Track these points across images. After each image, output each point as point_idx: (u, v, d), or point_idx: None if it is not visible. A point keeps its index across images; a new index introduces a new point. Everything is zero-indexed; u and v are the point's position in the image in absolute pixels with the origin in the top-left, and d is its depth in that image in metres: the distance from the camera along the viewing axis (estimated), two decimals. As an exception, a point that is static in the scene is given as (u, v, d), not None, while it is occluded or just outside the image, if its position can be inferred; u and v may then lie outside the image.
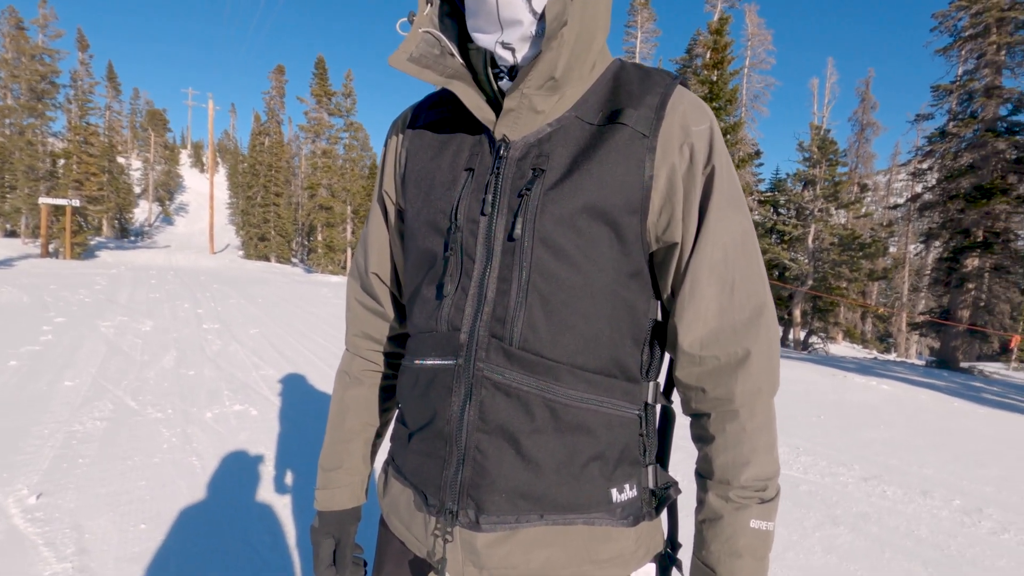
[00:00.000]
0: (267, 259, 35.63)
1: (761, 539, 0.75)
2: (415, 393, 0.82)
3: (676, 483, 0.82)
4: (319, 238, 34.50)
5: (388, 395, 1.03)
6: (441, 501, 0.76)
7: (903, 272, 33.37)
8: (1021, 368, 22.29)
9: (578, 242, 0.71)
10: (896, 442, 5.19)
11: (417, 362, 0.81)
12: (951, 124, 19.10)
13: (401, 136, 0.89)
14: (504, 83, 0.76)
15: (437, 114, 0.85)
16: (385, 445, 2.90)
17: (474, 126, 0.79)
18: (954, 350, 18.13)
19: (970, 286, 18.09)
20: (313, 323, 9.69)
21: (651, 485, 0.81)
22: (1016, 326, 18.26)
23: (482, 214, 0.73)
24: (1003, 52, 17.88)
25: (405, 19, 0.77)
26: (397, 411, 0.93)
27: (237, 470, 3.40)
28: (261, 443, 3.86)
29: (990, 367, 20.03)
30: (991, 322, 17.56)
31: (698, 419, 0.80)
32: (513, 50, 0.72)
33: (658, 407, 0.82)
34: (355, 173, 35.38)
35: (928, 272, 25.66)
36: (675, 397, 0.83)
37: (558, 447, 0.73)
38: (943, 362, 18.04)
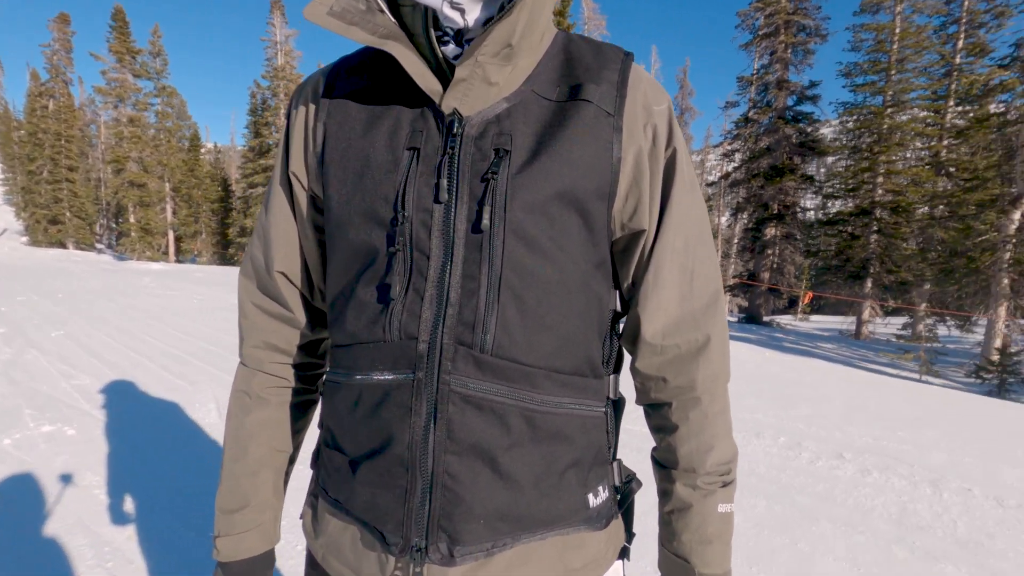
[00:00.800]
0: (63, 245, 30.24)
1: (727, 522, 0.76)
2: (357, 414, 0.70)
3: (635, 475, 0.81)
4: (131, 220, 30.05)
5: (300, 413, 0.90)
6: (405, 538, 0.66)
7: (717, 241, 38.23)
8: (804, 319, 26.99)
9: (551, 232, 0.66)
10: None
11: (359, 377, 0.70)
12: (752, 111, 22.07)
13: (313, 107, 0.75)
14: (449, 48, 0.67)
15: (361, 81, 0.73)
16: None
17: (412, 97, 0.69)
18: (759, 307, 21.40)
19: (769, 252, 21.32)
20: (137, 319, 8.43)
21: (616, 482, 0.78)
22: (799, 284, 21.90)
23: (436, 201, 0.65)
24: (789, 50, 20.95)
25: None
26: (322, 433, 0.80)
27: (56, 503, 2.83)
28: (87, 468, 3.25)
29: (784, 319, 23.94)
30: (782, 281, 20.90)
31: (657, 409, 0.79)
32: (463, 10, 0.63)
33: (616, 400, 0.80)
34: (173, 145, 31.32)
35: (737, 241, 29.70)
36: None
37: (536, 459, 0.67)
38: (751, 317, 21.21)
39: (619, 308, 0.78)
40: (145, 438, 3.73)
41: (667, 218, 0.71)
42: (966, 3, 16.95)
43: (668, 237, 0.71)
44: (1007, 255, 13.44)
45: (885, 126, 18.21)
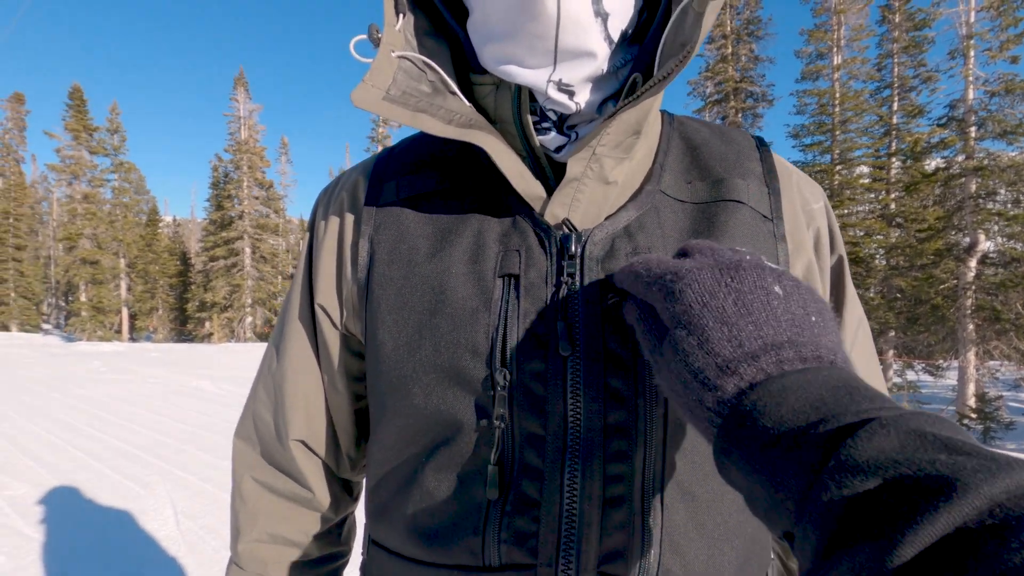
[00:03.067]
0: (6, 328, 28.58)
1: None
2: None
3: None
4: (82, 298, 28.75)
5: None
6: None
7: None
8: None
9: None
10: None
11: None
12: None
13: (352, 217, 0.57)
14: (550, 139, 0.53)
15: (422, 183, 0.55)
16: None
17: (497, 204, 0.53)
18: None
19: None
20: (84, 410, 7.71)
21: None
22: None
23: (552, 355, 0.47)
24: (740, 115, 22.20)
25: (363, 36, 0.53)
26: None
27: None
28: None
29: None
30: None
31: None
32: (572, 92, 0.50)
33: None
34: (129, 220, 30.58)
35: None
36: None
37: None
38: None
39: None
40: (89, 567, 3.17)
41: (843, 343, 0.53)
42: (896, 69, 18.40)
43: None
44: (969, 301, 13.90)
45: (836, 182, 19.17)
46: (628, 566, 0.47)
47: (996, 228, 14.64)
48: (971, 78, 14.98)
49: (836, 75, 19.45)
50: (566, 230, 0.51)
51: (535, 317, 0.49)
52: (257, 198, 29.60)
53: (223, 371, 12.39)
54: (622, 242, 0.50)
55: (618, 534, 0.47)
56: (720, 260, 0.38)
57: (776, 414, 0.29)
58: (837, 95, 19.34)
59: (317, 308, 0.59)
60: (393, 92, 0.51)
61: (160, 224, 38.54)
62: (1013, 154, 14.74)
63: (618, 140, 0.49)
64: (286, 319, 0.62)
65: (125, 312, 30.84)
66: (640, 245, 0.50)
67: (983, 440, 10.80)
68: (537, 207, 0.51)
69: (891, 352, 17.25)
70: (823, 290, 0.58)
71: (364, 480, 0.64)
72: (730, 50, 21.54)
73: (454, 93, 0.53)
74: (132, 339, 31.98)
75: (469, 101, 0.55)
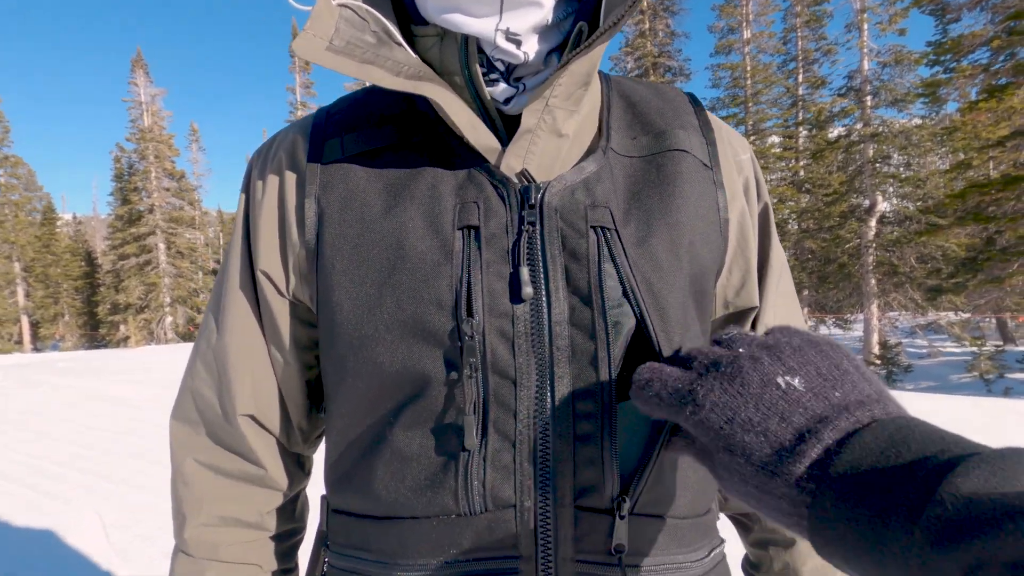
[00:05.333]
0: None
1: None
2: None
3: None
4: (-28, 308, 26.06)
5: None
6: None
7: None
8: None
9: (681, 329, 0.53)
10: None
11: (409, 573, 0.51)
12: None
13: (293, 177, 0.56)
14: (499, 89, 0.52)
15: (368, 138, 0.54)
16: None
17: (450, 157, 0.53)
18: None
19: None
20: (-15, 428, 7.04)
21: None
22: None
23: (516, 300, 0.49)
24: (660, 89, 22.82)
25: None
26: None
27: None
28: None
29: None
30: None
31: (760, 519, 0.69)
32: (519, 41, 0.50)
33: None
34: (21, 220, 27.96)
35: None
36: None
37: None
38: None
39: None
40: (8, 589, 2.95)
41: (767, 287, 0.62)
42: (799, 43, 19.44)
43: (769, 311, 0.62)
44: (870, 258, 15.12)
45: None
46: (601, 499, 0.49)
47: (891, 190, 15.97)
48: (865, 50, 16.07)
49: (746, 49, 20.30)
50: (525, 181, 0.51)
51: (498, 266, 0.49)
52: (168, 190, 27.63)
53: (144, 375, 11.64)
54: (581, 194, 0.51)
55: (590, 469, 0.48)
56: (721, 370, 0.38)
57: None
58: (748, 68, 20.22)
59: (259, 275, 0.56)
60: (337, 43, 0.50)
61: (58, 223, 35.33)
62: (904, 121, 16.04)
63: (569, 91, 0.50)
64: (224, 289, 0.59)
65: (25, 320, 28.31)
66: (598, 198, 0.52)
67: (886, 383, 11.91)
68: (492, 159, 0.51)
69: (806, 309, 18.56)
70: (753, 235, 0.61)
71: (320, 452, 0.63)
72: (648, 25, 21.97)
73: (399, 44, 0.52)
74: (36, 349, 29.47)
75: (414, 53, 0.54)
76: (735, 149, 0.61)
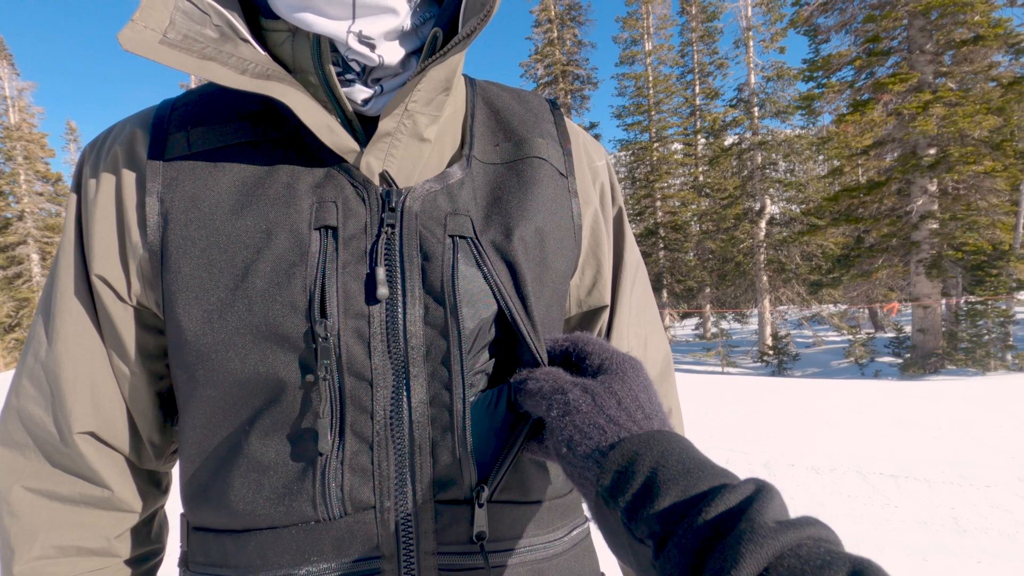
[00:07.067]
0: None
1: None
2: None
3: None
4: None
5: None
6: None
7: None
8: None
9: (545, 332, 0.56)
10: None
11: None
12: (546, 151, 24.13)
13: (132, 175, 0.52)
14: (355, 90, 0.52)
15: (217, 133, 0.52)
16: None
17: (305, 155, 0.52)
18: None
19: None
20: None
21: None
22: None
23: (371, 301, 0.49)
24: (569, 96, 23.45)
25: None
26: None
27: None
28: None
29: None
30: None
31: None
32: (373, 45, 0.50)
33: None
34: None
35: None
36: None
37: None
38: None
39: None
40: None
41: (622, 286, 0.64)
42: (696, 56, 20.73)
43: (624, 308, 0.64)
44: (762, 257, 16.39)
45: (655, 158, 21.22)
46: (461, 490, 0.49)
47: (778, 194, 17.46)
48: (752, 65, 17.43)
49: (648, 60, 21.33)
50: (386, 184, 0.50)
51: (355, 266, 0.48)
52: (41, 194, 24.89)
53: (15, 401, 10.36)
54: (443, 200, 0.52)
55: (448, 464, 0.49)
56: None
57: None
58: (650, 78, 21.25)
59: (95, 280, 0.52)
60: (172, 36, 0.47)
61: (-97, 232, 30.87)
62: (787, 131, 17.58)
63: (429, 97, 0.50)
64: (55, 297, 0.54)
65: None
66: (459, 206, 0.52)
67: (777, 372, 12.88)
68: (351, 159, 0.50)
69: (708, 306, 19.75)
70: (607, 237, 0.63)
71: (175, 468, 0.60)
72: (556, 34, 22.55)
73: (246, 40, 0.50)
74: None
75: (263, 49, 0.52)
76: (591, 156, 0.64)
